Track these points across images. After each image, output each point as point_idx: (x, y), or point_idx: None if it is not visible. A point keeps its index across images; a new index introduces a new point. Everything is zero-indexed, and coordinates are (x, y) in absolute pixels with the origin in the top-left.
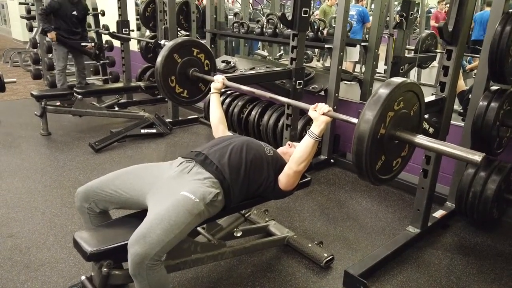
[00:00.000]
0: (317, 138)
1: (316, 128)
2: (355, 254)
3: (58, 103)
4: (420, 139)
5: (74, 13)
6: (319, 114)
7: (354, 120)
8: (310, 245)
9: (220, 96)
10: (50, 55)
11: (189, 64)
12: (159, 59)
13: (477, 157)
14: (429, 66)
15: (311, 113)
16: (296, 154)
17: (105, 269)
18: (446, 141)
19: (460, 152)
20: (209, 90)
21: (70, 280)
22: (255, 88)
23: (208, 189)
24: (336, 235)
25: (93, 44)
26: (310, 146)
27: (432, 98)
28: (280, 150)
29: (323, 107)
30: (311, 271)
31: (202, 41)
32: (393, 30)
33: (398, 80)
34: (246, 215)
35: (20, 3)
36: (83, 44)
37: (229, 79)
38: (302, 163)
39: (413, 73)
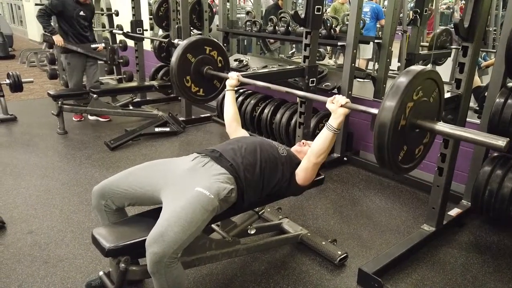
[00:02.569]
0: (335, 130)
1: (334, 120)
2: (369, 252)
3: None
4: (441, 126)
5: (81, 13)
6: (337, 107)
7: (374, 111)
8: (324, 243)
9: (238, 83)
10: (65, 55)
11: (203, 62)
12: (173, 60)
13: (500, 142)
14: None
15: (328, 106)
16: (315, 146)
17: (123, 265)
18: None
19: (483, 137)
20: (224, 86)
21: (88, 276)
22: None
23: (222, 184)
24: (349, 233)
25: (103, 44)
26: (329, 139)
27: (448, 95)
28: (293, 149)
29: (340, 99)
30: (325, 269)
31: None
32: (407, 26)
33: (416, 69)
34: (259, 213)
35: (36, 4)
36: (93, 46)
37: (242, 76)
38: (321, 155)
39: None
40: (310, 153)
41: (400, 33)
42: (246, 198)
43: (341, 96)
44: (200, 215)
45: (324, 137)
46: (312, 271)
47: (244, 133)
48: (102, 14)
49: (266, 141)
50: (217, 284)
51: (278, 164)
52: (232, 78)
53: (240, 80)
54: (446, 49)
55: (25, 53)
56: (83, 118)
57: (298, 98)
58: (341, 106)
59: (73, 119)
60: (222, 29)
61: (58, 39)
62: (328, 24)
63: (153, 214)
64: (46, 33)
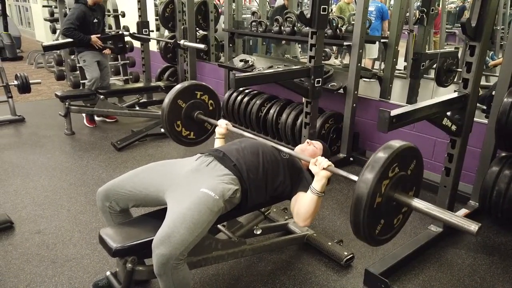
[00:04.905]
0: (319, 193)
1: (317, 183)
2: (376, 253)
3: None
4: (417, 203)
5: (95, 20)
6: (319, 169)
7: (354, 178)
8: (330, 243)
9: (226, 131)
10: (72, 56)
11: (194, 107)
12: (164, 106)
13: (473, 227)
14: None
15: (311, 167)
16: (300, 210)
17: (130, 265)
18: (469, 139)
19: (457, 221)
20: (214, 129)
21: (95, 276)
22: (273, 87)
23: (227, 185)
24: None
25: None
26: (314, 202)
27: (455, 95)
28: (299, 148)
29: (322, 162)
30: (331, 269)
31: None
32: (413, 26)
33: (394, 145)
34: (265, 213)
35: (43, 6)
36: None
37: (247, 78)
38: (308, 218)
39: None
40: (296, 217)
41: (406, 33)
42: (250, 199)
43: (323, 158)
44: (206, 216)
45: (309, 201)
46: (318, 271)
47: None
48: (109, 15)
49: (267, 143)
50: (223, 284)
51: (280, 166)
52: (221, 127)
53: (229, 129)
54: (453, 72)
55: (33, 55)
56: (96, 125)
57: (303, 98)
58: (323, 169)
59: (86, 124)
60: (228, 30)
61: (95, 39)
62: (334, 24)
63: (160, 215)
64: (84, 42)
